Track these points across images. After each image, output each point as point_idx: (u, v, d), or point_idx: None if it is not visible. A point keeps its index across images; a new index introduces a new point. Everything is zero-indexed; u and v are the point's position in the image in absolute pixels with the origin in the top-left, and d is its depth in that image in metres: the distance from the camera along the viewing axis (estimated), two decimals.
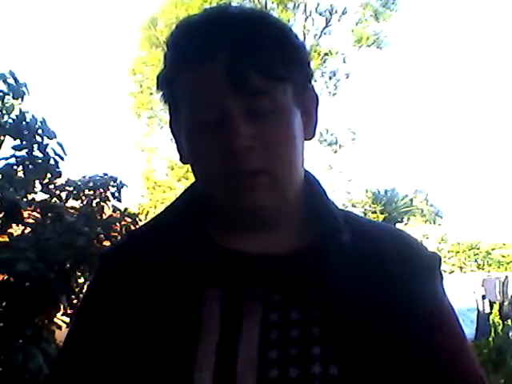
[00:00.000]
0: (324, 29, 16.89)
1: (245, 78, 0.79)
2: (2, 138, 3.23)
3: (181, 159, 0.91)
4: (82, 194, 3.50)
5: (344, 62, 16.94)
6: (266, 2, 16.01)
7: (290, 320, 0.81)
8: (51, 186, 3.38)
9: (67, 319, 3.21)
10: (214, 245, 0.87)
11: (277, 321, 0.81)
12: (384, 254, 0.86)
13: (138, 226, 3.31)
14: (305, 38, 16.40)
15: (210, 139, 0.81)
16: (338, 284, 0.82)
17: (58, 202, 3.42)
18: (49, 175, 3.32)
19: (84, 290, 2.98)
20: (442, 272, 0.92)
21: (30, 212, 3.28)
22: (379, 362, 0.80)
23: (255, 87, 0.79)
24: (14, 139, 3.21)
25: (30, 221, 3.26)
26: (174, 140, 0.91)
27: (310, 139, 0.89)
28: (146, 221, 1.01)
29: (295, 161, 0.84)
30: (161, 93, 0.88)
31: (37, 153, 3.24)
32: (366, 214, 18.72)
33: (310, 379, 0.77)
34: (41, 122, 3.26)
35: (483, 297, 9.38)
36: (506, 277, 10.37)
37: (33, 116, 3.25)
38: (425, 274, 0.87)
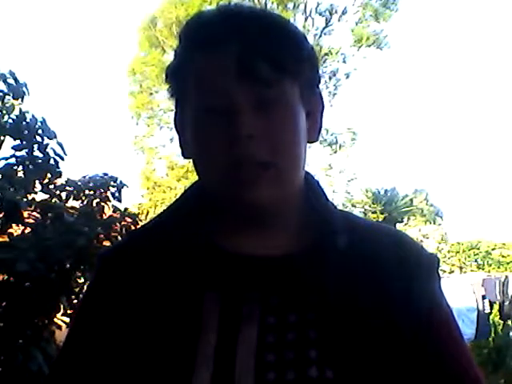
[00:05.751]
0: (324, 29, 16.91)
1: (255, 68, 0.80)
2: (1, 138, 3.23)
3: (183, 154, 0.91)
4: (82, 194, 3.49)
5: (344, 62, 16.96)
6: (265, 2, 16.01)
7: (287, 323, 0.81)
8: (51, 186, 3.38)
9: (67, 319, 3.20)
10: (214, 246, 0.87)
11: (274, 323, 0.81)
12: (382, 256, 0.86)
13: (138, 226, 3.31)
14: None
15: (216, 126, 0.81)
16: (334, 286, 0.82)
17: (58, 201, 3.41)
18: (49, 175, 3.31)
19: (84, 290, 2.97)
20: (441, 273, 0.92)
21: (29, 212, 3.27)
22: (376, 365, 0.79)
23: (264, 78, 0.80)
24: (14, 139, 3.21)
25: (30, 221, 3.26)
26: (177, 135, 0.91)
27: (312, 142, 0.90)
28: (146, 221, 1.01)
29: (299, 157, 0.85)
30: (168, 86, 0.89)
31: (37, 153, 3.24)
32: (366, 214, 18.70)
33: (306, 382, 0.77)
34: (41, 122, 3.25)
35: (483, 297, 9.34)
36: (506, 277, 10.33)
37: (33, 116, 3.25)
38: (423, 276, 0.87)
